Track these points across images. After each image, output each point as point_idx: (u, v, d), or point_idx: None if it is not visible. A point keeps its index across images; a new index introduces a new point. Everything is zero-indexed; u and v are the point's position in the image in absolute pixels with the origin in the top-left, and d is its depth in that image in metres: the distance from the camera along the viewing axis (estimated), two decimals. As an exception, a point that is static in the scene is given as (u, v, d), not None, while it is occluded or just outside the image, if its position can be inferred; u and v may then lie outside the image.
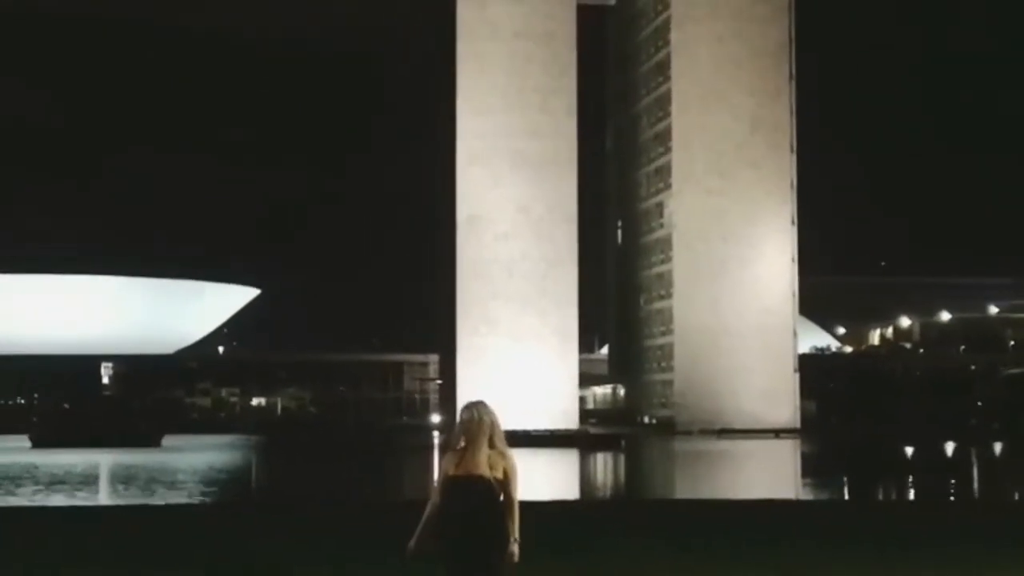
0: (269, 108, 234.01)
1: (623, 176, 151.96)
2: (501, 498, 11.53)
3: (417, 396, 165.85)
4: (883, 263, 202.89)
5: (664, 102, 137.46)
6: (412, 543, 11.66)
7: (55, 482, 51.94)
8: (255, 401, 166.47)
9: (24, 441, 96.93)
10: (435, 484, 11.68)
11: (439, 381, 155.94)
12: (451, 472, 11.52)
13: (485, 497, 11.45)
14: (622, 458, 79.54)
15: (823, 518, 31.69)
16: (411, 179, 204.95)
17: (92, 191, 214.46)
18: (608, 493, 51.59)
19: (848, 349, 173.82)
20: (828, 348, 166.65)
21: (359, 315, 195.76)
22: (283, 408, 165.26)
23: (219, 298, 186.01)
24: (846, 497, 46.92)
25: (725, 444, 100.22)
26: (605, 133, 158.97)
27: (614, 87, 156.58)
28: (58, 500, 41.56)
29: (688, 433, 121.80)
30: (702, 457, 79.50)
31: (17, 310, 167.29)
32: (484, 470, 11.47)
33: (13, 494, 44.73)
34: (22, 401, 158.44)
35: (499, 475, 11.54)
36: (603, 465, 72.20)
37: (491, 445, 11.57)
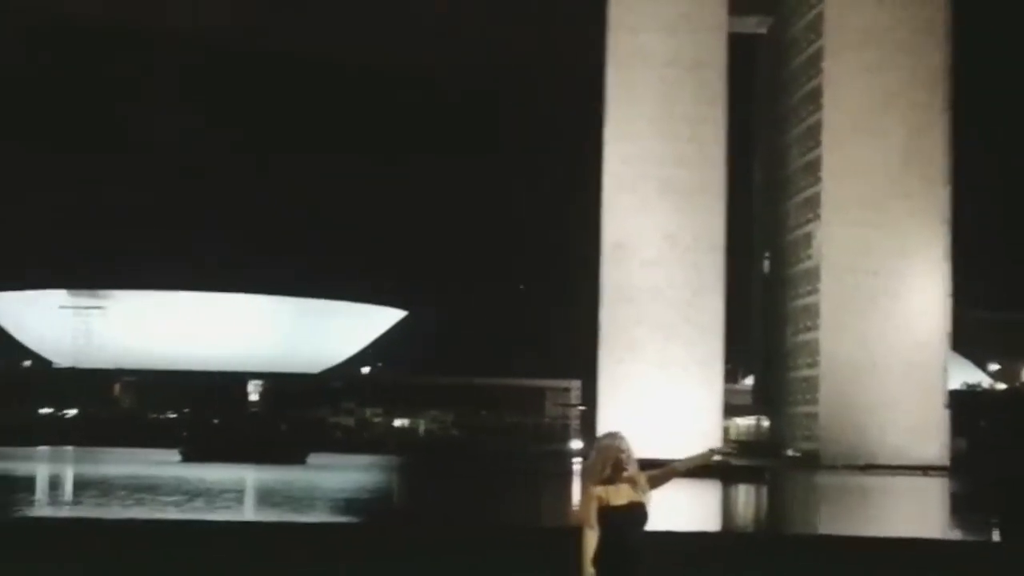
0: (424, 137, 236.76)
1: (771, 206, 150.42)
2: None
3: (559, 422, 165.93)
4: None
5: (815, 132, 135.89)
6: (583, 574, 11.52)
7: (204, 495, 53.04)
8: (398, 422, 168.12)
9: (174, 455, 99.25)
10: (586, 513, 11.60)
11: (581, 407, 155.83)
12: (613, 502, 11.57)
13: (644, 523, 11.69)
14: (765, 491, 78.61)
15: (971, 559, 30.99)
16: (557, 205, 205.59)
17: (246, 210, 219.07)
18: (750, 526, 51.04)
19: (1001, 386, 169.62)
20: (980, 385, 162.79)
21: (503, 339, 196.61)
22: (426, 430, 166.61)
23: (366, 319, 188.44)
24: (996, 538, 45.77)
25: (871, 479, 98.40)
26: (753, 162, 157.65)
27: (763, 116, 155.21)
28: (207, 514, 42.44)
29: (832, 467, 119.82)
30: (847, 491, 78.17)
31: (169, 327, 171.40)
32: (641, 496, 11.62)
33: (165, 506, 45.80)
34: (173, 415, 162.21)
35: (647, 500, 11.69)
36: (746, 497, 71.44)
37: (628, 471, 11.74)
